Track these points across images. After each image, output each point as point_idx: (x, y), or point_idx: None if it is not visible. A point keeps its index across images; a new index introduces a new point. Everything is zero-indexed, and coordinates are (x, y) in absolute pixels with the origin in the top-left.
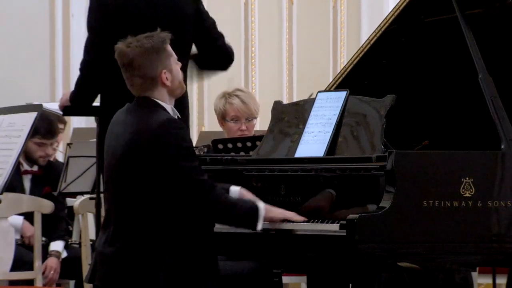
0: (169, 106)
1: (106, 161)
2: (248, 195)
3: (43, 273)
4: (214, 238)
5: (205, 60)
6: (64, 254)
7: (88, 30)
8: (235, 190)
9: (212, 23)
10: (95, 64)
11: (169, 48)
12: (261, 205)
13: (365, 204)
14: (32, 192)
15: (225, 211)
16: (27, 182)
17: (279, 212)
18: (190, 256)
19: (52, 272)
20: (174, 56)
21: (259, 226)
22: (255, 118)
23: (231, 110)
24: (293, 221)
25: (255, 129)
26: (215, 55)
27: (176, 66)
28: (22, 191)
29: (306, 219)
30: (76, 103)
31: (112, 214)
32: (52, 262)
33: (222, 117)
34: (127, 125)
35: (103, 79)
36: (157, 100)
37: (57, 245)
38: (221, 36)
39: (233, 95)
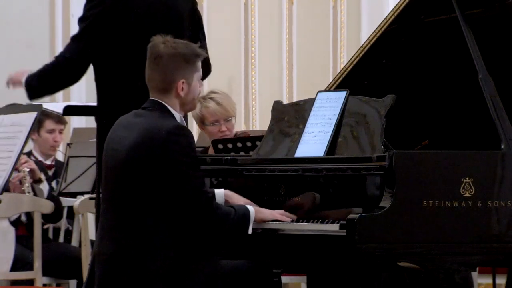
0: (178, 115)
1: (105, 164)
2: (233, 197)
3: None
4: (215, 242)
5: None
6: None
7: (79, 27)
8: (219, 193)
9: (204, 34)
10: (72, 63)
11: (199, 64)
12: (251, 208)
13: (365, 204)
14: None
15: (217, 226)
16: None
17: (268, 213)
18: (186, 256)
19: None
20: (200, 74)
21: (250, 230)
22: (233, 117)
23: (208, 114)
24: (281, 221)
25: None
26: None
27: (197, 83)
28: None
29: (294, 218)
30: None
31: (109, 214)
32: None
33: (201, 121)
34: (134, 128)
35: (72, 79)
36: (168, 106)
37: None
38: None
39: (208, 98)
